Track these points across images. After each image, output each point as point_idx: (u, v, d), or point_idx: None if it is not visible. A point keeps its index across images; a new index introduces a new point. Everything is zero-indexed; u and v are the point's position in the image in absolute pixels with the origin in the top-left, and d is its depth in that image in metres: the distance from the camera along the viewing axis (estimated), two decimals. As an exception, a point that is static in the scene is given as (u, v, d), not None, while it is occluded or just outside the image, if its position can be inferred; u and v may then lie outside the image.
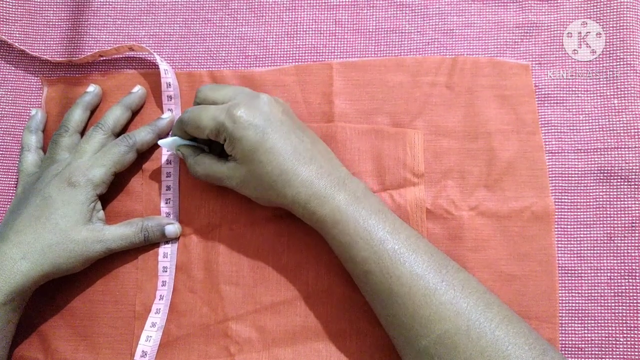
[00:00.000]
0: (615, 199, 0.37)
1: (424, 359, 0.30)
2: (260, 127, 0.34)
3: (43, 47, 0.43)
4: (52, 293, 0.38)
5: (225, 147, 0.35)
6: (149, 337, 0.37)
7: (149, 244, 0.38)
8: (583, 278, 0.37)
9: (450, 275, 0.31)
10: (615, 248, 0.37)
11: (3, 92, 0.43)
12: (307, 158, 0.34)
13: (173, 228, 0.38)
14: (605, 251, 0.37)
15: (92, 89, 0.41)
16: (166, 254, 0.38)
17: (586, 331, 0.36)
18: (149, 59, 0.42)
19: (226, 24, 0.43)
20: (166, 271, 0.38)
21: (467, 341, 0.29)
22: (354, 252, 0.32)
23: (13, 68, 0.43)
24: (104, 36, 0.43)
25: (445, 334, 0.29)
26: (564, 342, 0.36)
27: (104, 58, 0.42)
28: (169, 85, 0.40)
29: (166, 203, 0.39)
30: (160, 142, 0.38)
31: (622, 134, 0.38)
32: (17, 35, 0.43)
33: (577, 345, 0.36)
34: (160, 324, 0.37)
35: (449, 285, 0.30)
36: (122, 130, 0.40)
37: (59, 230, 0.35)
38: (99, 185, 0.37)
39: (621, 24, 0.40)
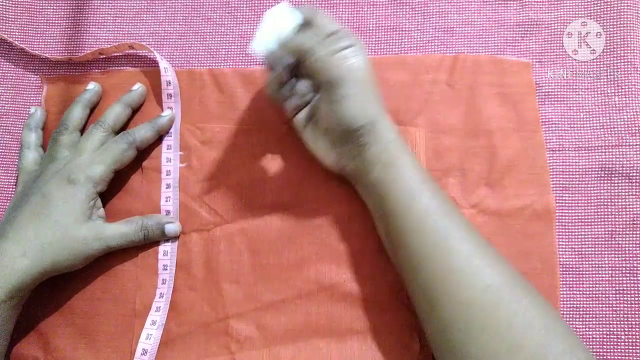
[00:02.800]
0: (616, 197, 0.37)
1: (463, 312, 0.30)
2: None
3: (42, 46, 0.43)
4: (52, 291, 0.38)
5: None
6: (149, 335, 0.37)
7: (149, 242, 0.38)
8: (584, 276, 0.37)
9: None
10: (616, 245, 0.37)
11: (2, 90, 0.43)
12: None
13: (173, 227, 0.38)
14: (606, 249, 0.37)
15: (92, 86, 0.41)
16: (166, 252, 0.38)
17: (587, 329, 0.36)
18: (149, 57, 0.42)
19: (226, 22, 0.43)
20: (166, 269, 0.38)
21: (511, 295, 0.29)
22: (417, 200, 0.32)
23: (12, 66, 0.43)
24: (104, 34, 0.43)
25: (493, 284, 0.30)
26: (565, 339, 0.36)
27: (104, 56, 0.42)
28: (169, 83, 0.40)
29: (166, 201, 0.39)
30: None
31: (623, 132, 0.38)
32: (17, 33, 0.43)
33: (578, 343, 0.36)
34: (161, 322, 0.37)
35: (494, 250, 0.32)
36: (122, 128, 0.40)
37: (59, 227, 0.35)
38: (99, 182, 0.36)
39: (621, 22, 0.40)
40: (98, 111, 0.41)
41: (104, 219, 0.38)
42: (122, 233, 0.37)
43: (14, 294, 0.33)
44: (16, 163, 0.41)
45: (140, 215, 0.39)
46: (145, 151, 0.40)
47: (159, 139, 0.40)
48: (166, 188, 0.39)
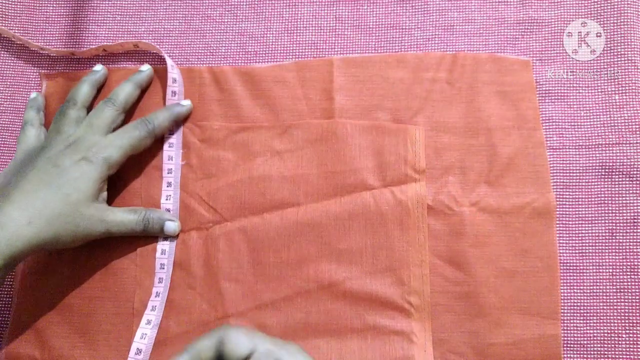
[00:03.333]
0: (616, 195, 0.37)
1: None
2: None
3: (42, 43, 0.43)
4: (50, 289, 0.38)
5: None
6: (144, 335, 0.36)
7: (147, 235, 0.38)
8: (585, 274, 0.37)
9: None
10: (617, 244, 0.37)
11: (1, 88, 0.43)
12: None
13: (173, 225, 0.38)
14: (607, 247, 0.37)
15: (99, 68, 0.41)
16: (164, 250, 0.38)
17: (588, 327, 0.36)
18: (151, 53, 0.42)
19: (226, 20, 0.43)
20: (163, 268, 0.38)
21: None
22: None
23: (11, 62, 0.43)
24: (104, 32, 0.43)
25: None
26: (566, 338, 0.36)
27: (107, 53, 0.42)
28: (175, 80, 0.40)
29: (166, 199, 0.39)
30: None
31: (623, 130, 0.38)
32: (16, 31, 0.43)
33: (579, 342, 0.36)
34: (156, 322, 0.37)
35: None
36: (131, 109, 0.40)
37: (70, 202, 0.34)
38: (113, 165, 0.36)
39: (622, 20, 0.40)
40: (101, 97, 0.41)
41: (106, 203, 0.38)
42: (125, 220, 0.37)
43: (11, 261, 0.33)
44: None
45: (144, 207, 0.38)
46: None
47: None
48: (167, 186, 0.39)
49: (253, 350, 0.28)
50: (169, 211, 0.39)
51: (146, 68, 0.41)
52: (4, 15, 0.43)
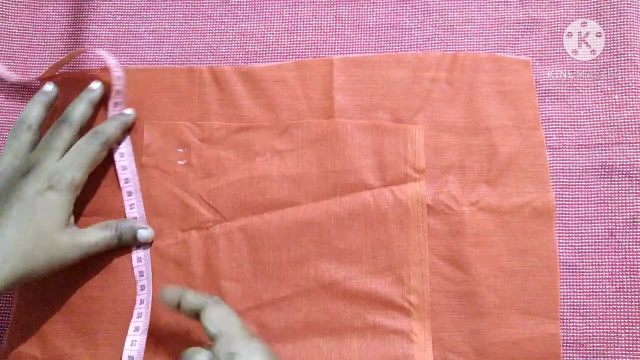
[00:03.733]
0: (616, 194, 0.37)
1: None
2: None
3: (43, 43, 0.43)
4: (50, 290, 0.38)
5: None
6: (134, 342, 0.36)
7: (122, 246, 0.38)
8: (584, 273, 0.37)
9: None
10: (616, 243, 0.37)
11: (2, 87, 0.43)
12: None
13: (146, 233, 0.38)
14: (606, 246, 0.37)
15: (51, 88, 0.40)
16: (140, 258, 0.38)
17: (588, 327, 0.36)
18: (149, 54, 0.42)
19: (226, 20, 0.43)
20: (143, 275, 0.38)
21: None
22: None
23: (12, 63, 0.43)
24: (104, 32, 0.43)
25: None
26: (565, 338, 0.36)
27: (64, 68, 0.42)
28: (119, 92, 0.40)
29: (131, 209, 0.39)
30: None
31: (623, 130, 0.38)
32: (16, 30, 0.43)
33: (578, 341, 0.36)
34: (144, 327, 0.36)
35: None
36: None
37: (42, 234, 0.34)
38: (78, 187, 0.36)
39: (621, 20, 0.40)
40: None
41: (74, 224, 0.37)
42: (99, 240, 0.36)
43: None
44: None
45: (115, 220, 0.38)
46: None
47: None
48: (128, 196, 0.39)
49: (218, 334, 0.31)
50: (136, 219, 0.39)
51: (97, 86, 0.40)
52: (4, 15, 0.44)
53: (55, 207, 0.35)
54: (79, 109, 0.38)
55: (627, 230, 0.37)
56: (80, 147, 0.37)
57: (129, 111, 0.40)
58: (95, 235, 0.36)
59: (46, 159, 0.36)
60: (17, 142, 0.37)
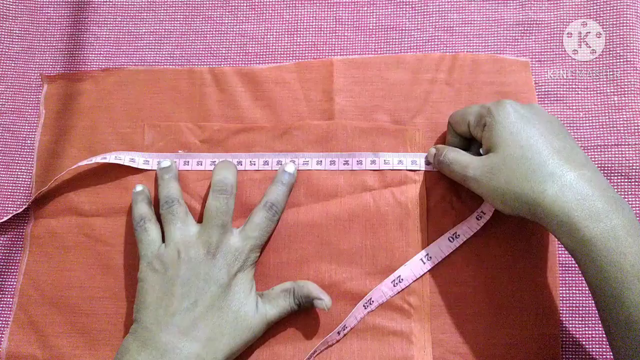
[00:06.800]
0: (615, 196, 0.38)
1: None
2: (525, 115, 0.32)
3: (43, 44, 0.43)
4: (51, 290, 0.38)
5: (483, 135, 0.33)
6: None
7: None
8: (583, 274, 0.37)
9: None
10: (615, 244, 0.37)
11: (2, 88, 0.43)
12: (576, 162, 0.30)
13: (322, 304, 0.35)
14: (605, 247, 0.37)
15: (168, 165, 0.38)
16: None
17: (586, 327, 0.36)
18: (149, 55, 0.42)
19: (226, 21, 0.43)
20: None
21: None
22: (626, 294, 0.27)
23: (12, 64, 0.43)
24: (105, 33, 0.43)
25: None
26: (564, 338, 0.36)
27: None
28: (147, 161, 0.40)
29: None
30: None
31: (622, 131, 0.38)
32: (17, 32, 0.43)
33: (577, 342, 0.36)
34: None
35: None
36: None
37: (240, 322, 0.33)
38: (256, 259, 0.36)
39: (621, 22, 0.40)
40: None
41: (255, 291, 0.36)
42: (282, 311, 0.35)
43: None
44: (17, 162, 0.41)
45: (291, 282, 0.36)
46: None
47: None
48: None
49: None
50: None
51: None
52: (4, 16, 0.44)
53: (247, 287, 0.34)
54: (223, 175, 0.36)
55: (626, 232, 0.37)
56: (257, 221, 0.36)
57: (289, 168, 0.38)
58: (278, 309, 0.35)
59: (225, 236, 0.35)
60: (174, 217, 0.36)
